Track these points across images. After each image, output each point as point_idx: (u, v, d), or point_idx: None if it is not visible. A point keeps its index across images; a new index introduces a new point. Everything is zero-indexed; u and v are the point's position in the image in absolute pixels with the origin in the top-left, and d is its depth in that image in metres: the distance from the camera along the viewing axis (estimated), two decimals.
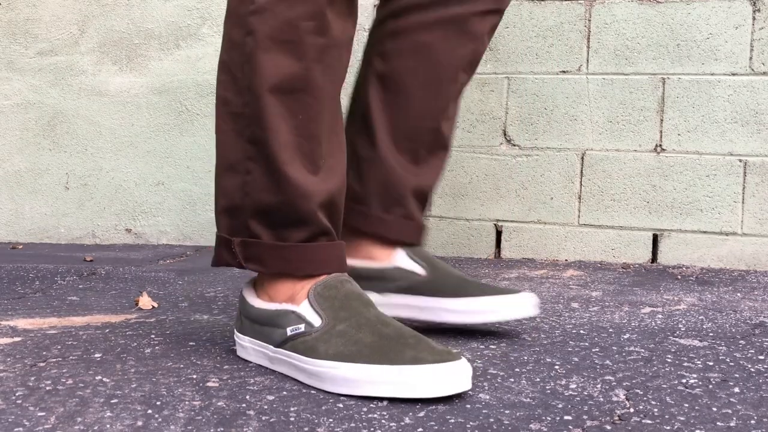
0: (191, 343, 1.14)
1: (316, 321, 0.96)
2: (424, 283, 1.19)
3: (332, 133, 1.03)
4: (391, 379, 0.88)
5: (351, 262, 1.21)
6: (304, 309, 0.98)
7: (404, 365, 0.88)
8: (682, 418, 0.84)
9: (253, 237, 1.02)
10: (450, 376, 0.87)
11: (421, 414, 0.84)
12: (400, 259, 1.22)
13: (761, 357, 1.10)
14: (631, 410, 0.86)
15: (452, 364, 0.88)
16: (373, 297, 1.19)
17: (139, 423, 0.80)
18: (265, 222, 1.01)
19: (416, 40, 1.19)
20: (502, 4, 1.24)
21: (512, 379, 0.97)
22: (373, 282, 1.21)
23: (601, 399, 0.90)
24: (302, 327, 0.97)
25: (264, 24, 0.97)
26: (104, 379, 0.95)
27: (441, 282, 1.18)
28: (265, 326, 1.01)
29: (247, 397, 0.89)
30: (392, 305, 1.20)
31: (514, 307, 1.15)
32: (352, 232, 1.22)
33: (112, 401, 0.87)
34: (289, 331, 0.97)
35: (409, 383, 0.87)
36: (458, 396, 0.90)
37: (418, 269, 1.21)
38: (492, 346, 1.13)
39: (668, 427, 0.81)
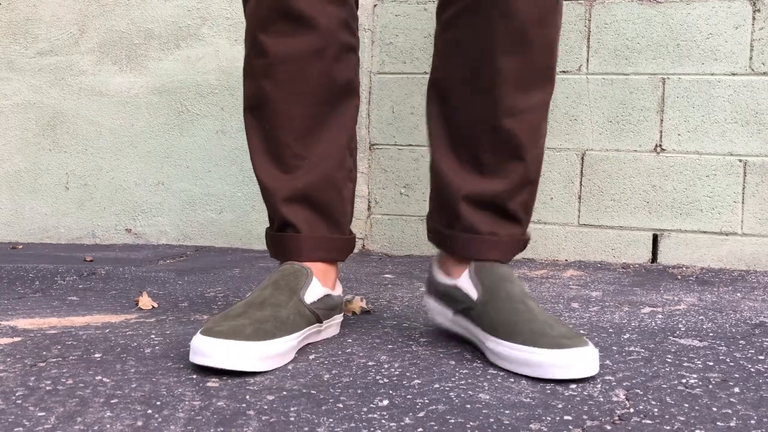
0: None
1: None
2: (476, 311, 1.07)
3: (307, 136, 1.14)
4: (201, 350, 0.97)
5: (439, 277, 1.18)
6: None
7: (208, 337, 0.97)
8: (682, 418, 0.84)
9: (270, 228, 1.22)
10: (218, 350, 0.95)
11: (421, 414, 0.84)
12: (462, 278, 1.12)
13: (761, 357, 1.10)
14: (631, 410, 0.86)
15: (225, 341, 0.95)
16: (449, 314, 1.15)
17: (139, 423, 0.80)
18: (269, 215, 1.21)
19: (447, 37, 1.12)
20: None
21: (512, 379, 0.97)
22: (445, 299, 1.15)
23: (601, 399, 0.90)
24: None
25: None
26: (104, 379, 0.95)
27: (491, 314, 1.05)
28: None
29: (247, 397, 0.89)
30: (457, 325, 1.14)
31: (556, 366, 0.96)
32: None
33: (112, 401, 0.87)
34: None
35: (205, 354, 0.96)
36: (458, 396, 0.90)
37: (473, 293, 1.09)
38: None
39: (668, 427, 0.81)
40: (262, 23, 1.10)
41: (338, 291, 1.20)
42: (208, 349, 0.96)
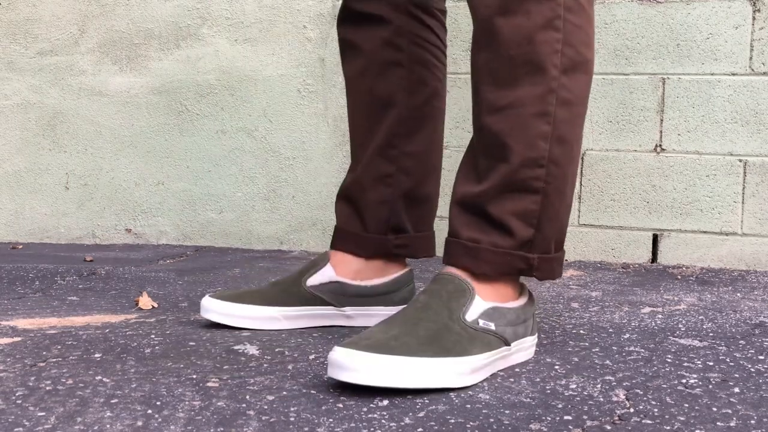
0: (191, 343, 1.14)
1: None
2: None
3: (360, 144, 1.28)
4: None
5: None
6: None
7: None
8: (682, 418, 0.84)
9: None
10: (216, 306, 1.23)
11: (421, 414, 0.84)
12: None
13: (761, 357, 1.10)
14: (631, 410, 0.86)
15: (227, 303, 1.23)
16: None
17: (139, 423, 0.80)
18: None
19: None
20: None
21: (512, 379, 0.97)
22: None
23: (601, 399, 0.90)
24: None
25: None
26: (104, 379, 0.95)
27: None
28: None
29: (247, 397, 0.89)
30: None
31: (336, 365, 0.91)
32: None
33: (112, 401, 0.87)
34: None
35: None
36: (458, 396, 0.90)
37: None
38: None
39: (668, 427, 0.81)
40: (340, 52, 1.31)
41: (367, 282, 1.27)
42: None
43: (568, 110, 1.03)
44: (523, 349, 1.06)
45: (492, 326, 0.99)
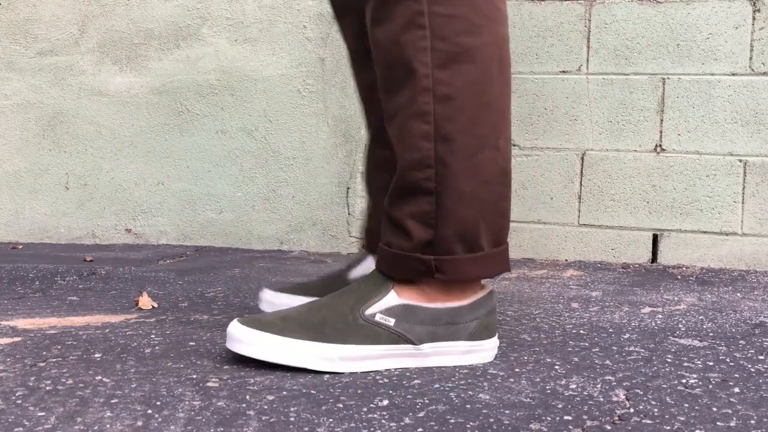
0: (191, 343, 1.14)
1: None
2: None
3: (367, 119, 1.29)
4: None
5: None
6: None
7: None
8: (682, 418, 0.84)
9: None
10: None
11: (421, 414, 0.84)
12: None
13: (761, 357, 1.10)
14: (631, 410, 0.86)
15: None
16: None
17: (139, 423, 0.80)
18: None
19: None
20: None
21: (512, 379, 0.97)
22: None
23: (601, 399, 0.90)
24: None
25: None
26: (104, 379, 0.95)
27: None
28: None
29: (247, 397, 0.89)
30: None
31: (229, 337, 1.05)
32: None
33: (112, 401, 0.87)
34: None
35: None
36: (458, 396, 0.90)
37: None
38: None
39: (668, 427, 0.81)
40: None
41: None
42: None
43: (448, 106, 0.99)
44: (448, 353, 1.04)
45: (391, 322, 1.01)
